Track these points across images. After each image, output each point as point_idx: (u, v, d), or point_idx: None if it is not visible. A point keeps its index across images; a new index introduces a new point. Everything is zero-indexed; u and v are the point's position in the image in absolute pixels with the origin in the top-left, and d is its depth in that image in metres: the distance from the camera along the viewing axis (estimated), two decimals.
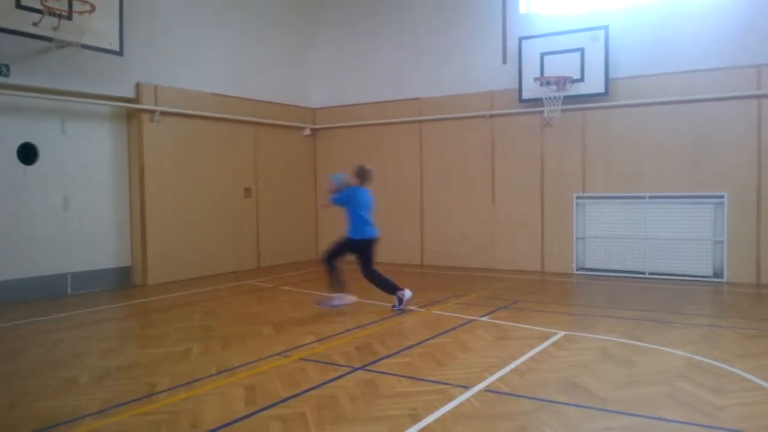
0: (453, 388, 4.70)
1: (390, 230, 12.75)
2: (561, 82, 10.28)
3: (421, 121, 12.31)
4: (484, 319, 7.20)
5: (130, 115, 10.20)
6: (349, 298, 7.69)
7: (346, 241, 7.71)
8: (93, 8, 8.45)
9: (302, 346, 6.09)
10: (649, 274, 10.13)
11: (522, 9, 11.35)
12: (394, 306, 7.73)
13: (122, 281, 10.04)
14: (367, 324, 7.02)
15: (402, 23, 12.54)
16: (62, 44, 8.41)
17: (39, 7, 8.08)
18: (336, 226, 13.38)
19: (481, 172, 11.70)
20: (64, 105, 9.24)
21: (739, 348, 5.79)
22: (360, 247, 7.67)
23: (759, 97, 9.36)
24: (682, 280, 9.79)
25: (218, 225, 11.35)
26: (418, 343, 6.09)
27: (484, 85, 11.57)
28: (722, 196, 9.63)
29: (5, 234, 8.62)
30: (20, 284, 8.76)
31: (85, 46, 8.71)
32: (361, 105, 13.03)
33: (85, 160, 9.60)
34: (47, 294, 9.02)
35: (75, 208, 9.46)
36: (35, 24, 8.17)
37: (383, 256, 12.72)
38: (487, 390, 4.66)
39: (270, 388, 4.76)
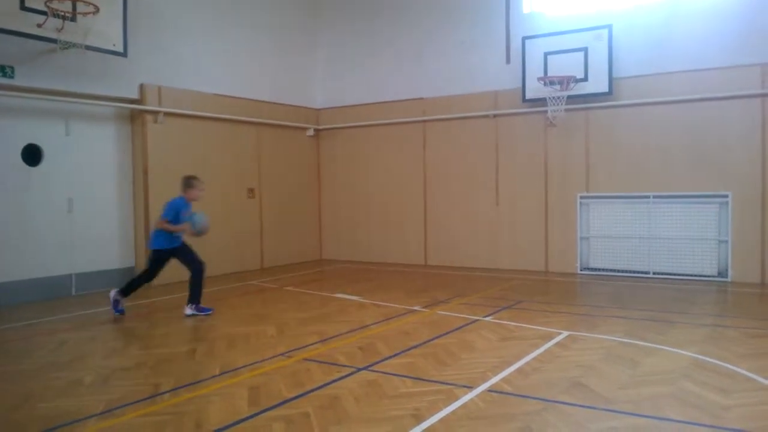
0: (457, 388, 4.70)
1: (394, 230, 12.81)
2: (564, 81, 10.26)
3: (424, 121, 12.31)
4: (487, 319, 7.20)
5: (134, 116, 10.23)
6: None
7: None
8: (97, 10, 8.46)
9: (306, 346, 6.10)
10: (654, 273, 10.10)
11: (525, 9, 11.34)
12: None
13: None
14: (371, 324, 7.02)
15: (405, 23, 12.55)
16: (66, 46, 8.43)
17: (43, 8, 8.10)
18: (339, 226, 13.47)
19: (484, 172, 11.69)
20: (68, 106, 9.27)
21: (743, 348, 5.76)
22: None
23: (763, 96, 9.33)
24: (687, 279, 9.77)
25: (222, 225, 11.34)
26: (422, 344, 6.09)
27: (488, 85, 11.56)
28: (726, 196, 9.60)
29: (10, 235, 8.64)
30: (25, 285, 8.78)
31: (89, 48, 8.73)
32: (364, 105, 13.03)
33: (89, 161, 9.63)
34: (51, 295, 9.05)
35: (79, 209, 9.49)
36: (39, 25, 8.19)
37: (387, 256, 12.84)
38: (491, 390, 4.65)
39: (274, 389, 4.77)
